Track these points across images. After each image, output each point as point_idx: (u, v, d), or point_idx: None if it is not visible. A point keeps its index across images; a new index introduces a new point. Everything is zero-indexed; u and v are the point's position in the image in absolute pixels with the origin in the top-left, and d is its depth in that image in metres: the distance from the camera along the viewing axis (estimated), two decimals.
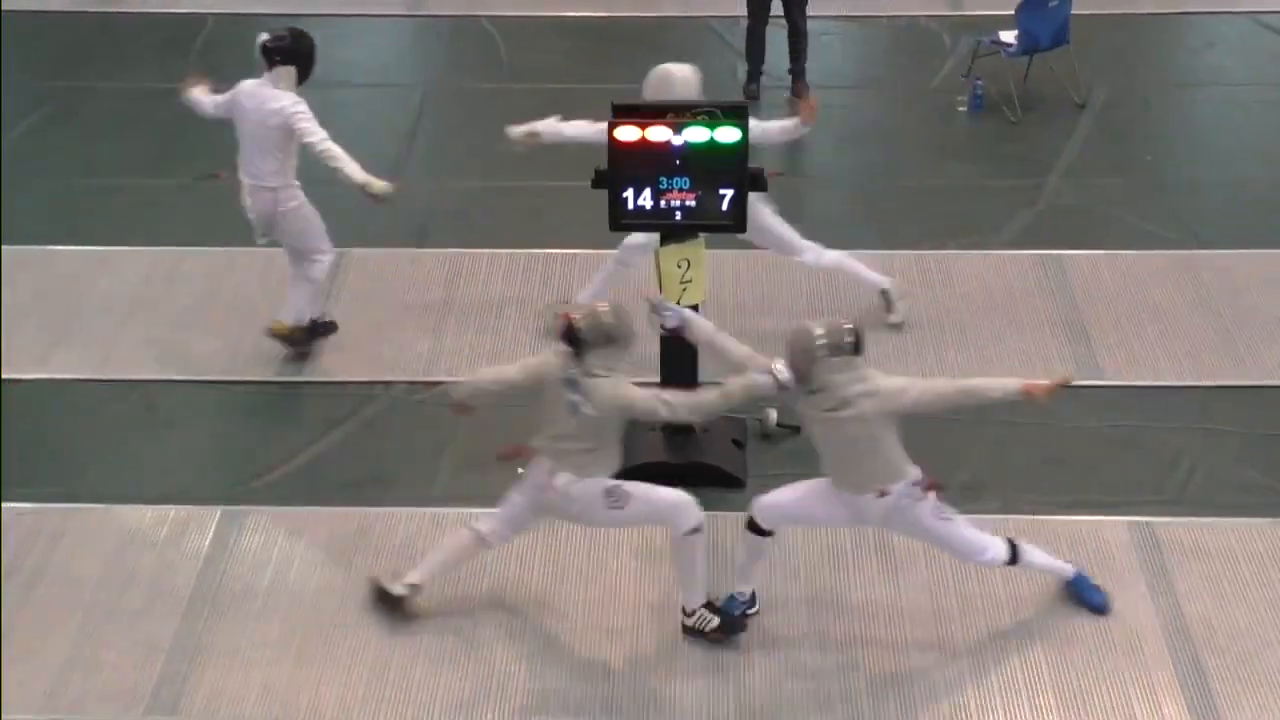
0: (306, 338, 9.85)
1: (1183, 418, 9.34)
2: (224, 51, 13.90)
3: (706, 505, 7.83)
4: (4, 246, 11.00)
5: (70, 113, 13.00)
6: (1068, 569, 7.99)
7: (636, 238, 9.50)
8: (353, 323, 10.17)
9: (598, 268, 10.04)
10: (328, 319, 10.00)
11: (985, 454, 9.06)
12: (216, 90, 9.66)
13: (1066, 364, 9.75)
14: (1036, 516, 8.55)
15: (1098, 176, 11.92)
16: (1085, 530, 8.47)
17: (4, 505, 8.64)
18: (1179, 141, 12.70)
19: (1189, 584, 8.11)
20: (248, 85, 9.45)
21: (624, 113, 8.36)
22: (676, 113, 8.28)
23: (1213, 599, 8.02)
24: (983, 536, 7.72)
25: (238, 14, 14.48)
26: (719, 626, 7.73)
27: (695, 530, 7.57)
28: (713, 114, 8.26)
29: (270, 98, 9.31)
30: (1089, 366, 9.76)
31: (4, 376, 9.71)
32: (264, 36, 9.41)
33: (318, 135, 9.33)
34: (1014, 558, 7.78)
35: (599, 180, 8.45)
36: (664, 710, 7.49)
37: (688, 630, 7.75)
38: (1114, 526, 8.48)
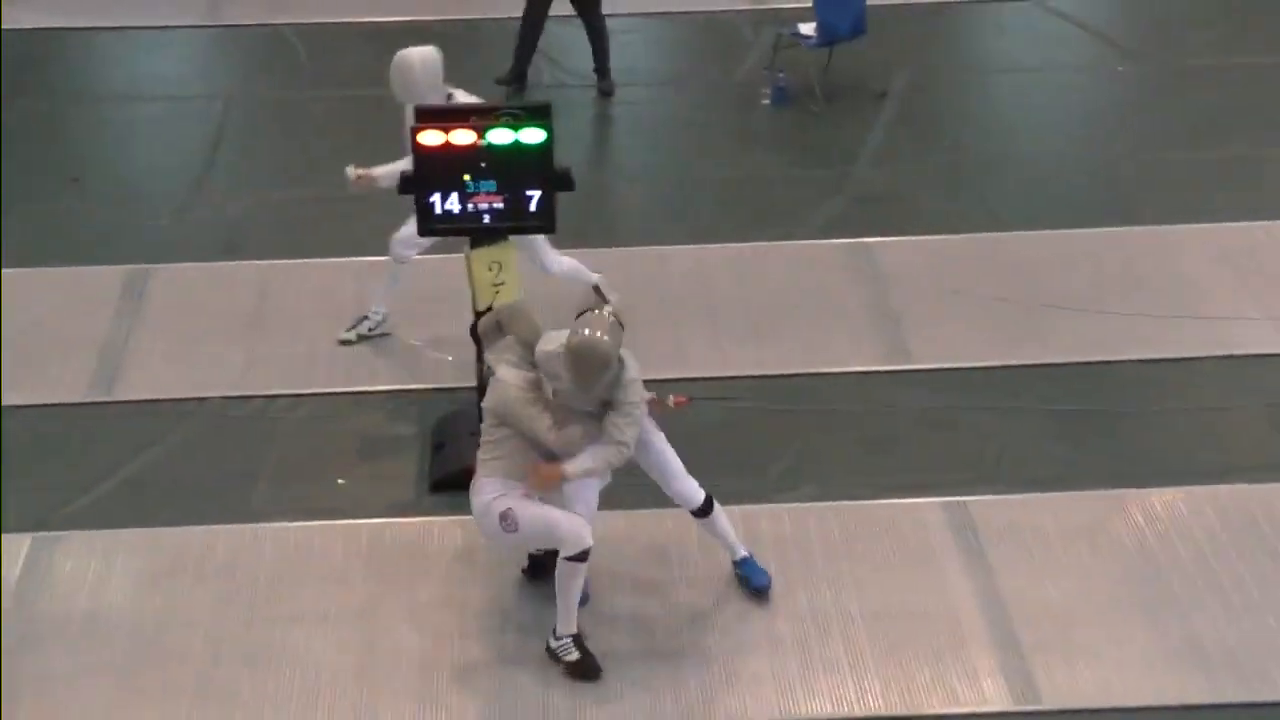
0: None
1: (991, 398, 9.54)
2: (14, 70, 13.58)
3: None
4: None
5: None
6: (741, 549, 8.12)
7: (401, 232, 9.52)
8: (163, 339, 10.00)
9: (412, 276, 10.00)
10: None
11: (801, 440, 9.17)
12: None
13: (878, 349, 9.91)
14: (854, 501, 8.68)
15: (901, 162, 12.13)
16: (901, 512, 8.61)
17: None
18: (978, 126, 12.96)
19: (1003, 561, 8.28)
20: None
21: (427, 117, 8.32)
22: (480, 115, 8.26)
23: (1026, 574, 8.19)
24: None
25: (25, 29, 14.12)
26: (575, 664, 7.62)
27: (580, 557, 7.49)
28: (516, 115, 8.25)
29: None
30: (899, 350, 9.93)
31: None
32: None
33: None
34: (707, 508, 7.94)
35: (405, 185, 8.41)
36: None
37: (549, 652, 7.67)
38: (929, 507, 8.63)
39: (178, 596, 8.06)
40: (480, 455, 7.61)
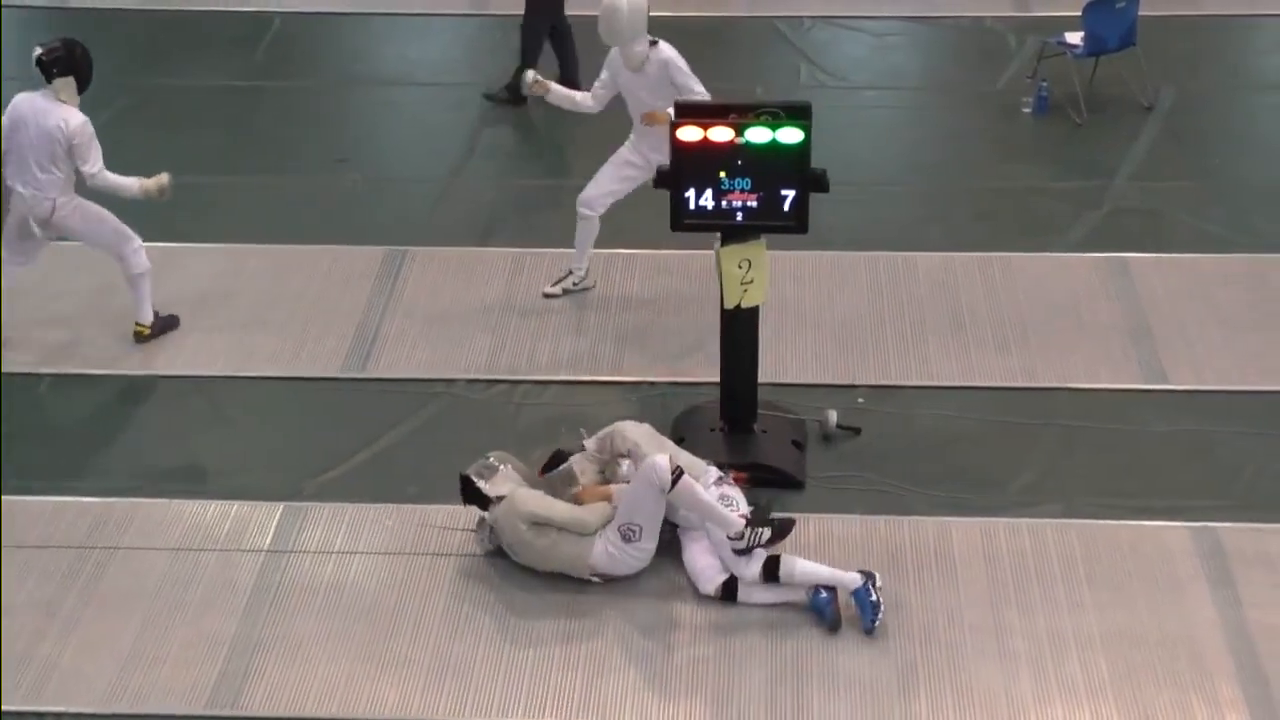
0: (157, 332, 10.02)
1: (1248, 423, 9.26)
2: (290, 49, 14.03)
3: None
4: (74, 242, 11.10)
5: (141, 109, 13.12)
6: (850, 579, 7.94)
7: (588, 191, 10.07)
8: (414, 320, 10.23)
9: (658, 268, 10.08)
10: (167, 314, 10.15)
11: (1047, 457, 9.02)
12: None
13: (1130, 367, 9.70)
14: (1098, 521, 8.50)
15: (1164, 179, 11.83)
16: (1148, 535, 8.41)
17: (71, 499, 8.75)
18: (1246, 145, 12.59)
19: (1253, 591, 8.03)
20: (23, 99, 9.51)
21: (687, 113, 8.37)
22: (739, 113, 8.28)
23: (1277, 606, 7.94)
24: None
25: (304, 13, 14.60)
26: (774, 531, 7.93)
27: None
28: (775, 114, 8.25)
29: (54, 112, 9.37)
30: (1153, 370, 9.69)
31: (74, 371, 9.83)
32: (37, 50, 9.42)
33: (95, 166, 9.46)
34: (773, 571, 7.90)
35: (661, 180, 8.47)
36: (727, 701, 7.50)
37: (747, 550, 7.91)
38: (1177, 532, 8.42)
39: (418, 572, 8.23)
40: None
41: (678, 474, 7.77)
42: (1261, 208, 11.41)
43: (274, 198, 11.69)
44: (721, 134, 8.19)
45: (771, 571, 7.86)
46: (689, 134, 8.21)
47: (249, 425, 9.48)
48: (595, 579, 8.01)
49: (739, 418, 8.94)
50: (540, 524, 7.93)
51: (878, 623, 7.80)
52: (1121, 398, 9.51)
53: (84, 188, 9.73)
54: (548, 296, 10.36)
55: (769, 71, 13.43)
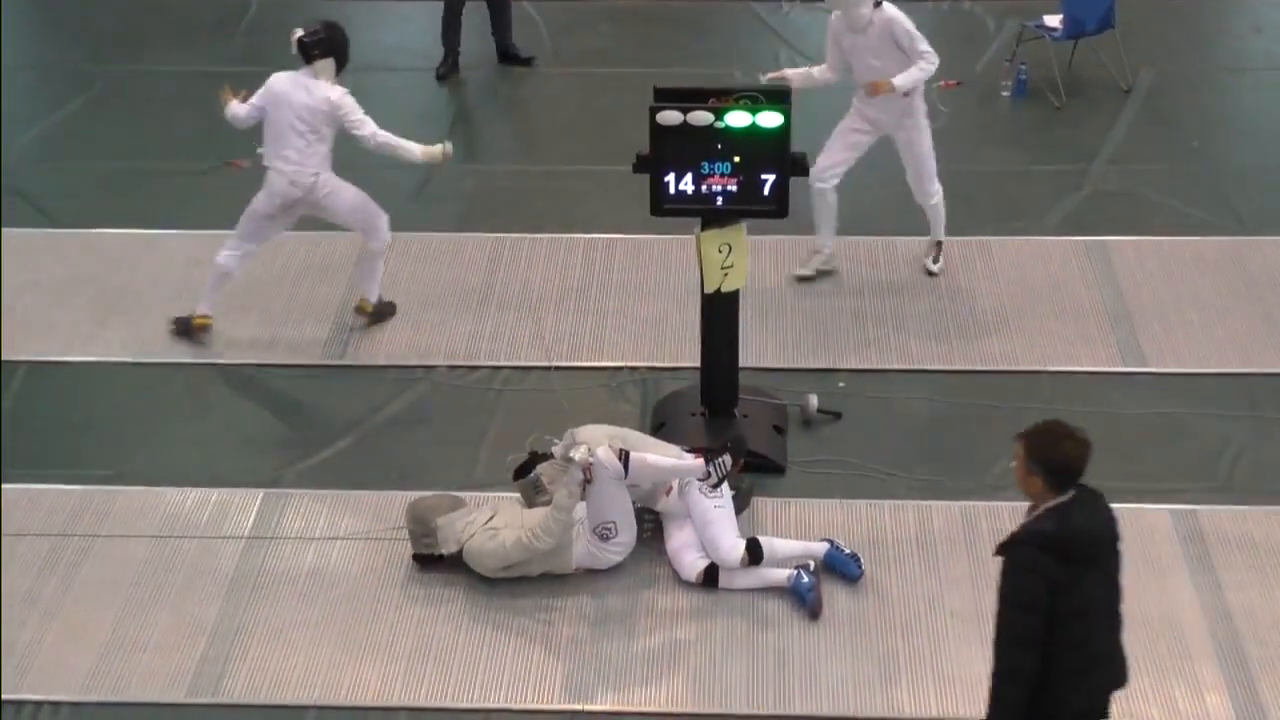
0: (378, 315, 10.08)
1: (1228, 406, 9.28)
2: (268, 35, 13.95)
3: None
4: (50, 229, 11.10)
5: (117, 95, 13.06)
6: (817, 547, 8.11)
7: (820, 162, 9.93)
8: (396, 306, 10.21)
9: (638, 253, 10.06)
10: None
11: None
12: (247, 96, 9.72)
13: (1109, 350, 9.72)
14: None
15: (1143, 162, 11.84)
16: (1128, 518, 8.25)
17: (49, 487, 8.73)
18: (1225, 127, 12.60)
19: (1233, 573, 8.06)
20: (284, 78, 9.53)
21: (665, 97, 8.35)
22: (718, 97, 8.27)
23: (1257, 589, 7.97)
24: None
25: None
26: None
27: None
28: (755, 98, 8.24)
29: (316, 89, 9.42)
30: (1132, 353, 9.71)
31: (50, 359, 9.79)
32: (298, 32, 9.51)
33: (370, 129, 9.44)
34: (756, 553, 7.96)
35: (641, 164, 8.45)
36: (710, 688, 7.51)
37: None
38: (1157, 515, 8.43)
39: (399, 558, 8.22)
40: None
41: (624, 456, 7.77)
42: (1240, 190, 11.42)
43: (252, 185, 11.60)
44: (701, 118, 8.17)
45: (755, 554, 7.87)
46: (668, 118, 8.19)
47: (229, 412, 9.45)
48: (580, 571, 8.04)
49: (720, 403, 8.93)
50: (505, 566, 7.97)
51: (863, 567, 7.98)
52: (1101, 380, 9.53)
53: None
54: (801, 280, 10.30)
55: (748, 56, 13.39)
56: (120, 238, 10.97)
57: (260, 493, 8.69)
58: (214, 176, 11.72)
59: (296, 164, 9.51)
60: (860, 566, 7.98)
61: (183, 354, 9.84)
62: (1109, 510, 6.11)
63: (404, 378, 9.65)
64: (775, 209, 8.40)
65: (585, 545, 7.92)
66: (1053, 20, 12.79)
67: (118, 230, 11.06)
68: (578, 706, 7.47)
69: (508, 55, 13.32)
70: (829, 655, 7.65)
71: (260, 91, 9.59)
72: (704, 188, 8.32)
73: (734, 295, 8.67)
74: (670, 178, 8.32)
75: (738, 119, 8.16)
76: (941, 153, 12.06)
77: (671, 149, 8.27)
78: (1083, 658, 5.94)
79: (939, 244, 10.41)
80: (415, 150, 9.62)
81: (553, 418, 8.87)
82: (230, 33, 13.99)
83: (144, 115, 12.75)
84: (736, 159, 8.25)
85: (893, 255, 10.65)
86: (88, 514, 8.55)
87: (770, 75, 9.92)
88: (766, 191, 8.32)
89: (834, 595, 7.93)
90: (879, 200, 11.41)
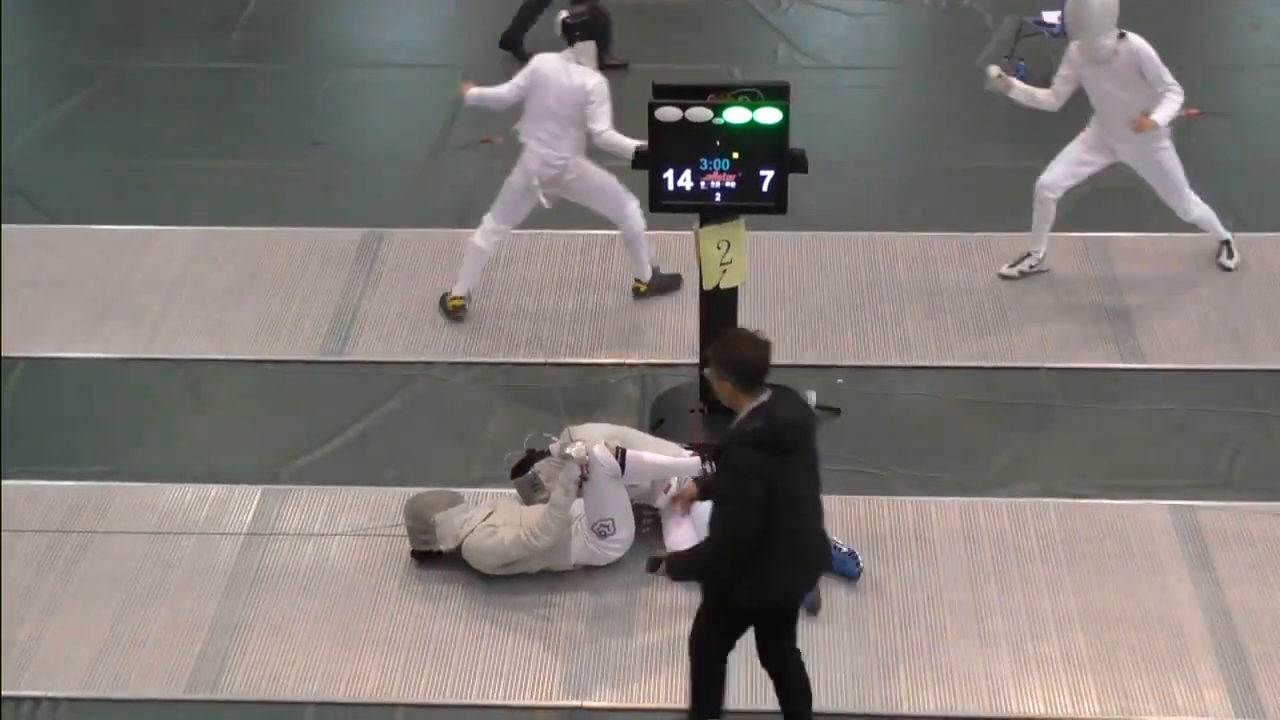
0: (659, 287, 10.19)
1: (1227, 402, 9.28)
2: (266, 31, 13.95)
3: None
4: (49, 226, 11.09)
5: (116, 92, 13.06)
6: None
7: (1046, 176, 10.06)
8: (393, 302, 10.21)
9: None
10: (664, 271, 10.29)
11: (1026, 437, 9.04)
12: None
13: (1108, 347, 9.72)
14: (1077, 500, 8.52)
15: None
16: (1126, 515, 8.44)
17: (48, 483, 8.73)
18: (1223, 124, 12.57)
19: (1231, 569, 8.06)
20: (550, 60, 9.57)
21: (664, 93, 8.34)
22: (717, 93, 8.26)
23: (1256, 586, 7.98)
24: None
25: None
26: None
27: None
28: (754, 94, 8.24)
29: (575, 74, 9.41)
30: (1131, 350, 9.71)
31: (48, 355, 9.79)
32: (563, 14, 9.60)
33: (603, 125, 9.39)
34: None
35: (639, 161, 8.45)
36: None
37: None
38: (1156, 510, 8.44)
39: (397, 554, 8.22)
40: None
41: (620, 454, 7.77)
42: (1239, 187, 11.41)
43: (251, 181, 11.63)
44: (700, 114, 8.17)
45: None
46: (667, 114, 8.18)
47: (227, 408, 9.45)
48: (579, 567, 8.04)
49: (719, 399, 8.91)
50: (504, 564, 7.97)
51: (862, 565, 7.97)
52: (1100, 377, 9.53)
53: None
54: (1004, 278, 10.31)
55: (746, 52, 13.40)
56: (119, 234, 10.97)
57: (259, 489, 8.69)
58: (213, 174, 11.71)
59: (550, 146, 9.55)
60: (859, 564, 7.98)
61: (181, 350, 9.84)
62: (804, 402, 6.63)
63: (402, 374, 9.65)
64: (774, 205, 8.40)
65: (584, 542, 7.92)
66: (1051, 16, 12.77)
67: (117, 227, 11.05)
68: (576, 702, 7.47)
69: (513, 46, 13.22)
70: (827, 650, 7.66)
71: (525, 70, 9.61)
72: (703, 184, 8.32)
73: (733, 291, 8.67)
74: (669, 174, 8.32)
75: (736, 115, 8.16)
76: (941, 149, 12.10)
77: (670, 145, 8.26)
78: (794, 544, 6.45)
79: (1225, 243, 10.40)
80: (631, 147, 9.20)
81: (551, 415, 8.87)
82: (228, 30, 13.97)
83: (143, 112, 12.75)
84: (735, 155, 8.25)
85: (891, 252, 10.64)
86: (86, 510, 8.55)
87: (996, 73, 9.96)
88: (765, 188, 8.32)
89: (832, 591, 7.93)
90: (878, 197, 11.44)
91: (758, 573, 6.42)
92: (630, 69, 12.37)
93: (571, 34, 9.50)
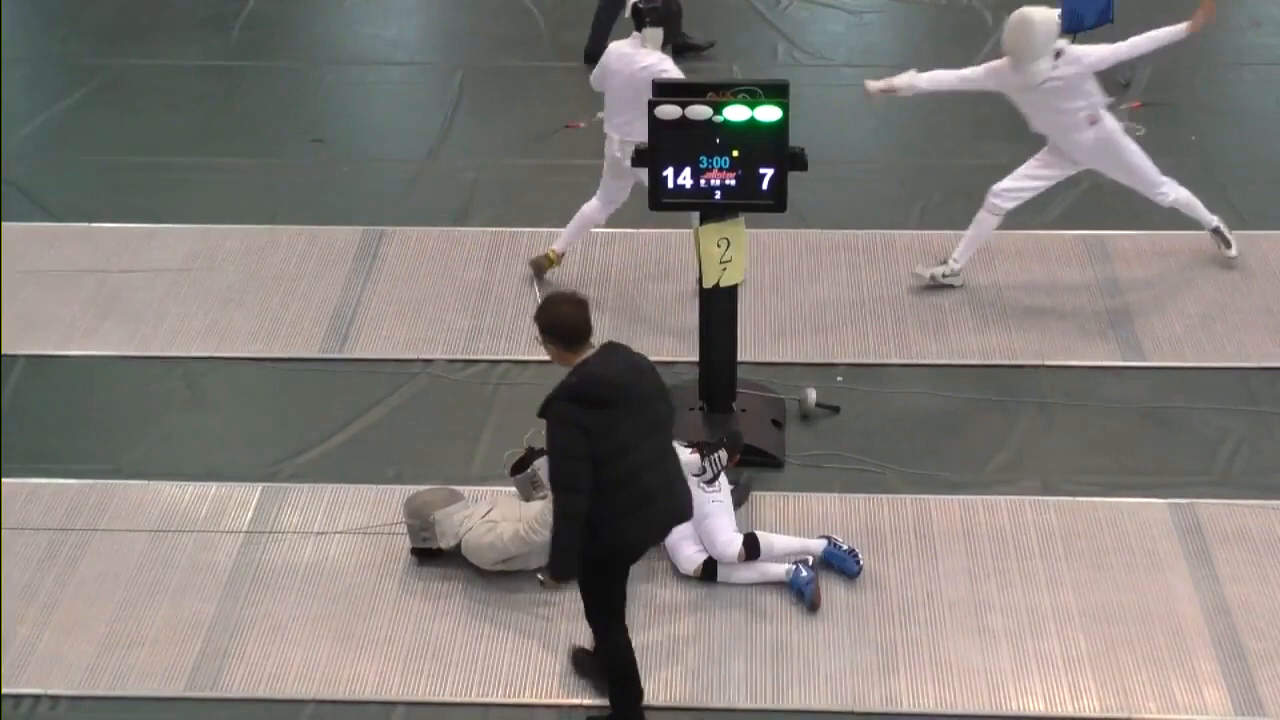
0: None
1: (1225, 399, 9.28)
2: (264, 29, 13.96)
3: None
4: (49, 223, 11.09)
5: (115, 89, 13.05)
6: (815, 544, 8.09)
7: (1004, 183, 10.03)
8: (393, 300, 10.21)
9: (636, 248, 10.05)
10: None
11: (1026, 435, 9.03)
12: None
13: (1108, 344, 9.72)
14: (1076, 497, 8.52)
15: None
16: (1126, 512, 8.44)
17: (47, 481, 8.73)
18: (1222, 121, 12.58)
19: (1231, 566, 8.06)
20: (617, 46, 9.65)
21: (664, 91, 8.34)
22: (717, 91, 8.26)
23: (1255, 582, 7.98)
24: None
25: None
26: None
27: None
28: (753, 92, 8.23)
29: (638, 58, 9.45)
30: (1131, 347, 9.71)
31: (48, 353, 9.79)
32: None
33: None
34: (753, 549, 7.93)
35: (639, 158, 8.45)
36: (708, 682, 7.51)
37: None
38: (1155, 508, 8.44)
39: (397, 553, 8.22)
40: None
41: None
42: (1238, 184, 11.42)
43: (250, 178, 11.63)
44: (700, 112, 8.17)
45: (752, 549, 7.88)
46: (667, 112, 8.18)
47: (227, 406, 9.45)
48: None
49: (718, 397, 8.93)
50: (504, 559, 7.96)
51: (862, 563, 7.97)
52: (1100, 375, 9.52)
53: None
54: (917, 276, 10.22)
55: (746, 50, 13.40)
56: (118, 231, 10.97)
57: (258, 487, 8.69)
58: (213, 171, 11.71)
59: (625, 132, 9.55)
60: (859, 562, 7.98)
61: (181, 348, 9.84)
62: (636, 359, 6.87)
63: (402, 372, 9.64)
64: (774, 203, 8.40)
65: None
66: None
67: (116, 224, 11.05)
68: (575, 701, 7.47)
69: (597, 58, 13.10)
70: (827, 648, 7.66)
71: (602, 59, 9.71)
72: (702, 182, 8.31)
73: (732, 289, 8.67)
74: (669, 172, 8.31)
75: (736, 113, 8.15)
76: (940, 147, 12.10)
77: (670, 143, 8.26)
78: (633, 494, 6.72)
79: (1216, 230, 10.32)
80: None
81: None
82: (228, 27, 13.97)
83: (142, 109, 12.75)
84: (735, 153, 8.24)
85: (891, 249, 10.64)
86: (86, 508, 8.55)
87: (874, 91, 9.75)
88: (765, 185, 8.31)
89: (832, 589, 7.93)
90: (878, 195, 11.43)
91: (596, 527, 6.70)
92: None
93: (641, 18, 9.55)
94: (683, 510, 7.06)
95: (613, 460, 6.64)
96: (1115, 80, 12.70)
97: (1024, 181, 10.03)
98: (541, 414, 6.73)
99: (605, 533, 6.74)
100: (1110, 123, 9.78)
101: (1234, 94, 12.99)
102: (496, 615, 7.85)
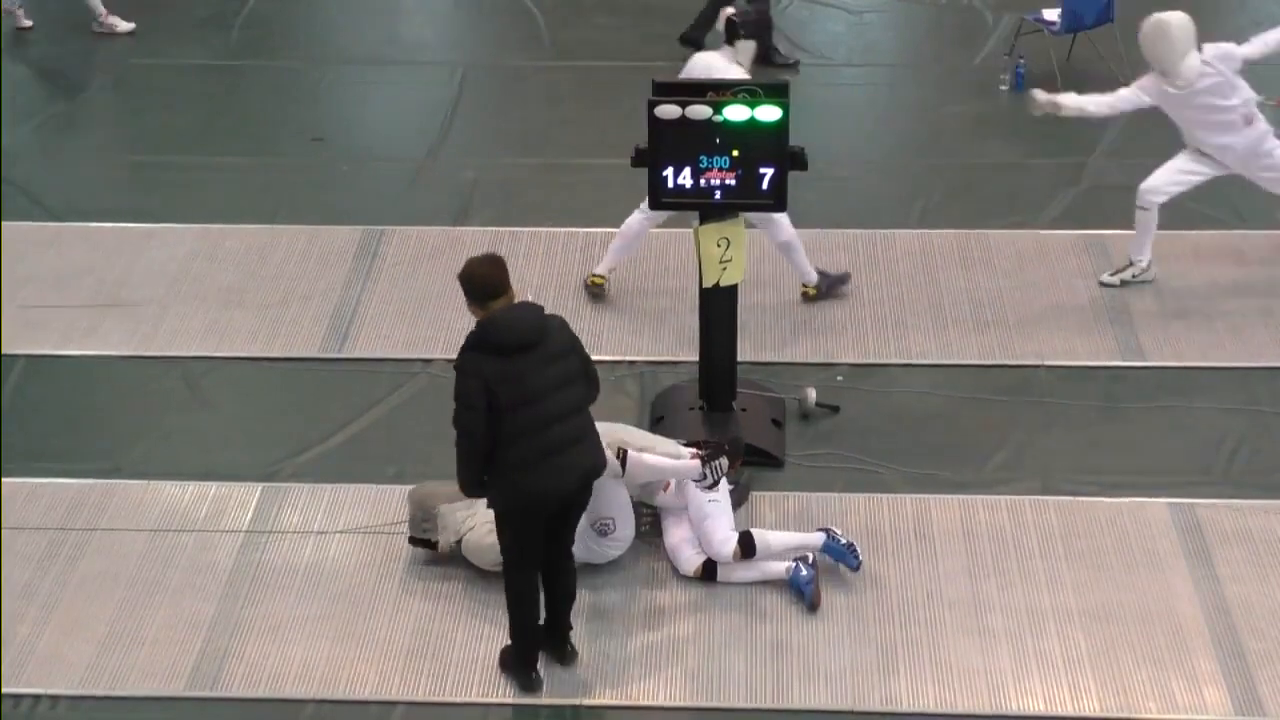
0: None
1: (1226, 399, 9.28)
2: (264, 28, 13.96)
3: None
4: (49, 223, 11.09)
5: (116, 88, 13.05)
6: (816, 539, 8.06)
7: (1151, 180, 10.02)
8: (393, 300, 10.20)
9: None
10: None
11: (1026, 434, 9.03)
12: None
13: (1108, 344, 9.72)
14: (1076, 497, 8.52)
15: (1141, 156, 11.74)
16: (1126, 511, 8.44)
17: (47, 481, 8.73)
18: None
19: (1231, 566, 8.06)
20: (704, 58, 9.63)
21: (664, 91, 8.34)
22: (717, 91, 8.26)
23: (1255, 582, 7.97)
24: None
25: None
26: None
27: None
28: (753, 92, 8.23)
29: (715, 69, 9.41)
30: (1131, 347, 9.71)
31: (48, 352, 9.79)
32: (730, 10, 9.63)
33: None
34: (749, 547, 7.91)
35: (639, 158, 8.45)
36: (708, 682, 7.51)
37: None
38: (1155, 508, 8.44)
39: (397, 553, 8.22)
40: None
41: (621, 455, 7.77)
42: (1238, 184, 11.36)
43: (250, 178, 11.63)
44: (700, 112, 8.16)
45: (747, 548, 7.87)
46: (667, 112, 8.18)
47: (227, 406, 9.45)
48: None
49: (718, 396, 8.93)
50: None
51: (861, 558, 7.94)
52: (1100, 374, 9.53)
53: None
54: (1104, 285, 10.20)
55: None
56: (118, 231, 10.96)
57: (258, 486, 8.69)
58: (213, 171, 11.71)
59: None
60: (858, 557, 7.97)
61: (180, 348, 9.83)
62: (547, 318, 7.16)
63: (402, 371, 9.64)
64: (774, 203, 8.40)
65: (584, 542, 7.91)
66: (1051, 14, 12.79)
67: (116, 224, 11.04)
68: (576, 701, 7.47)
69: (694, 43, 13.07)
70: (827, 648, 7.66)
71: (687, 64, 9.67)
72: (702, 181, 8.31)
73: (732, 289, 8.67)
74: (669, 171, 8.31)
75: (736, 113, 8.15)
76: (940, 146, 12.10)
77: (670, 143, 8.26)
78: (543, 442, 6.95)
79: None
80: None
81: None
82: (228, 26, 13.97)
83: (142, 108, 12.75)
84: (735, 153, 8.24)
85: (891, 248, 10.64)
86: (86, 507, 8.55)
87: (1042, 101, 9.83)
88: (765, 185, 8.31)
89: (832, 588, 7.93)
90: (878, 194, 11.43)
91: (503, 475, 6.97)
92: (626, 69, 12.36)
93: (735, 31, 9.53)
94: (594, 465, 7.22)
95: (520, 409, 6.88)
96: (1116, 79, 12.70)
97: (1174, 176, 10.03)
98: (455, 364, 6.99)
99: (516, 478, 6.97)
100: (1263, 124, 9.79)
101: None
102: (496, 615, 7.84)
